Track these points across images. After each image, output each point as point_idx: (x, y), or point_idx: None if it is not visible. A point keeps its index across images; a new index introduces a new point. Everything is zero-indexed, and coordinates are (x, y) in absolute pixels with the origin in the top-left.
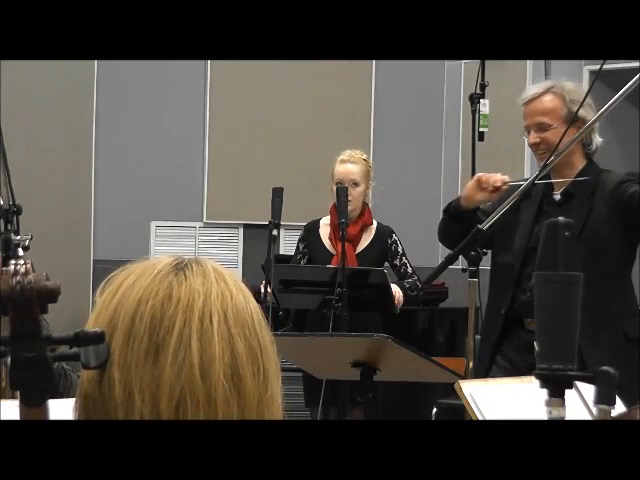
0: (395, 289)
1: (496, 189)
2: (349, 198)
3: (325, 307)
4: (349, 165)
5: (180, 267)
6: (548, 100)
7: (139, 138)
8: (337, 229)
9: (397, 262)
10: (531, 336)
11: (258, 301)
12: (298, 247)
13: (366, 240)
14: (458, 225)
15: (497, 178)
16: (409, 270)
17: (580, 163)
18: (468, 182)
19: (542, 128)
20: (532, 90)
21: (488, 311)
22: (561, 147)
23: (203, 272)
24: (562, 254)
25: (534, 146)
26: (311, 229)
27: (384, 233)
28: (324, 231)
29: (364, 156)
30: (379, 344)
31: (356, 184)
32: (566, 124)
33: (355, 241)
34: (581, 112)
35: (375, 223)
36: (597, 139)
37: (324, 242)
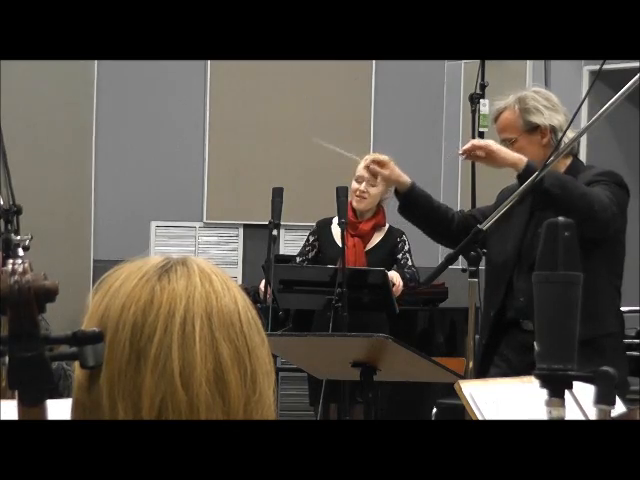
0: (393, 275)
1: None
2: (364, 195)
3: (326, 307)
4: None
5: (165, 270)
6: (505, 116)
7: (139, 138)
8: (347, 227)
9: (400, 256)
10: (528, 336)
11: (257, 301)
12: (308, 239)
13: (377, 238)
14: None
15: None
16: (409, 263)
17: (566, 162)
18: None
19: (509, 143)
20: (494, 107)
21: (483, 311)
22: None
23: (187, 274)
24: (562, 254)
25: None
26: (324, 224)
27: (395, 233)
28: (336, 228)
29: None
30: (379, 344)
31: (373, 184)
32: (527, 133)
33: (366, 238)
34: (536, 119)
35: (387, 225)
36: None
37: (335, 238)
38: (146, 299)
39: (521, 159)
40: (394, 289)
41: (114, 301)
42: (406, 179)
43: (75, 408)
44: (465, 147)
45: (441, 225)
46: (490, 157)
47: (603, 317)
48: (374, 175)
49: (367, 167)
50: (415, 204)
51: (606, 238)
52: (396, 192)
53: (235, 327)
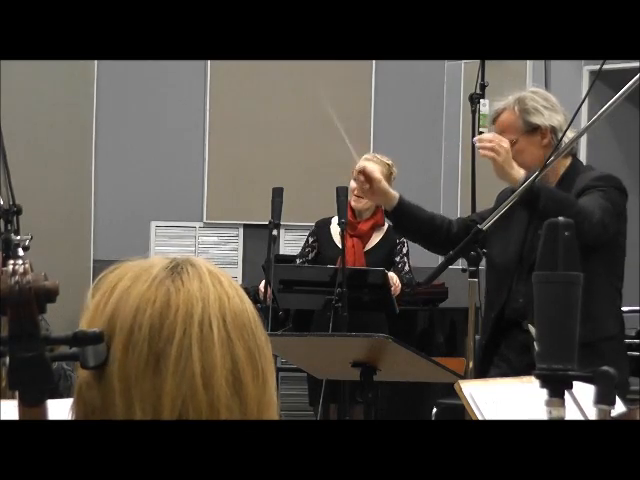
0: (392, 275)
1: (365, 178)
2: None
3: (325, 307)
4: (368, 163)
5: (176, 271)
6: (504, 118)
7: (139, 138)
8: (346, 227)
9: (398, 258)
10: (528, 336)
11: (257, 301)
12: (307, 240)
13: (376, 238)
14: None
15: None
16: (406, 268)
17: (566, 162)
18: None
19: (510, 145)
20: (493, 108)
21: (483, 313)
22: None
23: (199, 276)
24: (562, 254)
25: None
26: (323, 224)
27: (395, 233)
28: (335, 228)
29: (389, 161)
30: (379, 344)
31: None
32: (527, 134)
33: (365, 238)
34: (536, 119)
35: (387, 224)
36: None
37: (334, 238)
38: (162, 301)
39: (519, 181)
40: (392, 289)
41: (126, 302)
42: (394, 193)
43: (80, 407)
44: (485, 143)
45: (438, 234)
46: (499, 159)
47: (603, 319)
48: (367, 179)
49: (360, 171)
50: (407, 217)
51: (603, 242)
52: (386, 213)
53: (247, 328)
